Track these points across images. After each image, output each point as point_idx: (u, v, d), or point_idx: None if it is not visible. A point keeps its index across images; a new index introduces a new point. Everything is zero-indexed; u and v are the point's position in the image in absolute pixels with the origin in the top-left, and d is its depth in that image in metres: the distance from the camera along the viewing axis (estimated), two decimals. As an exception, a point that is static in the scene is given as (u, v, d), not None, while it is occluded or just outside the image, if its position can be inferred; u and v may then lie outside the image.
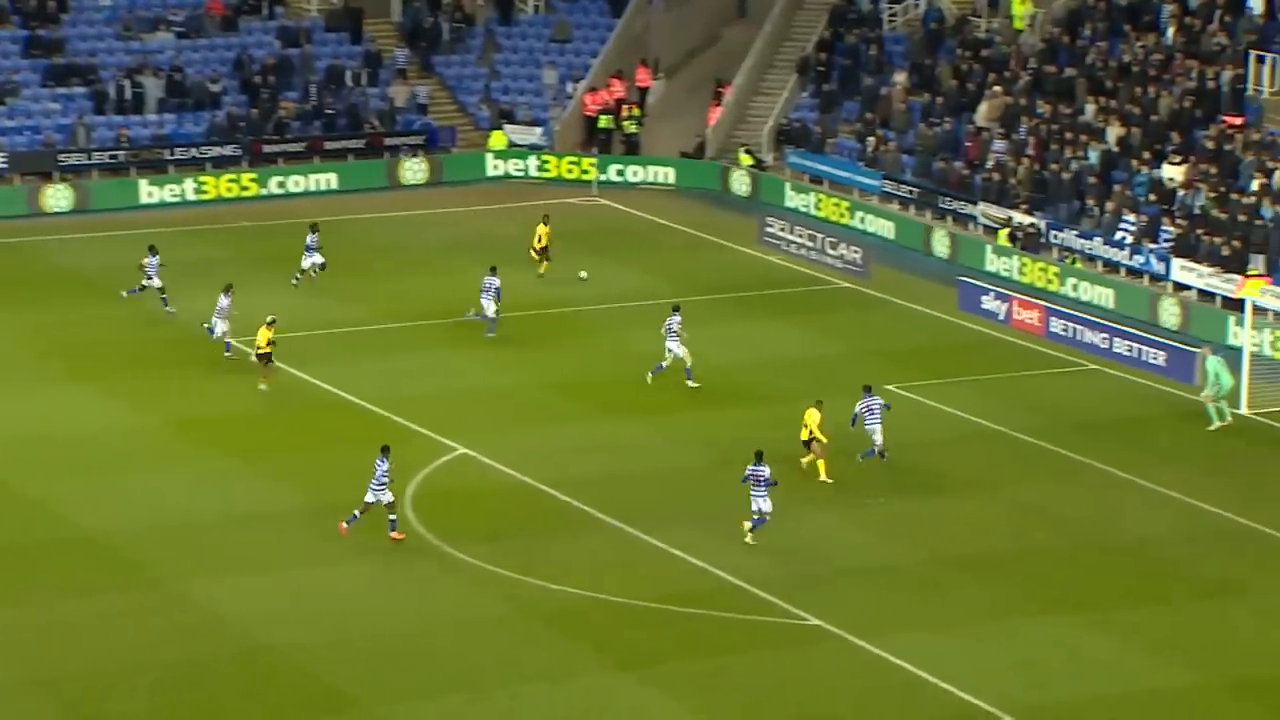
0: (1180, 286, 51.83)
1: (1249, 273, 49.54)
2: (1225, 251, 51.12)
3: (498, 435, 42.47)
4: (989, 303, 50.98)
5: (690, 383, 45.18)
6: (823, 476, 40.18)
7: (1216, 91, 56.66)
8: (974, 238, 55.94)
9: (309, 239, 52.06)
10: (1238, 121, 55.45)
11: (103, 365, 47.00)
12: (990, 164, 58.13)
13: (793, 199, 60.69)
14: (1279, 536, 37.91)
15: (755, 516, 37.17)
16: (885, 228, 58.12)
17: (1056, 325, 49.28)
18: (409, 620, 34.31)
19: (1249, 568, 36.70)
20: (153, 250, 50.19)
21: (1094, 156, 56.37)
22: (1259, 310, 47.04)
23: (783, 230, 56.95)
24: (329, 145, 63.75)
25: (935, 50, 63.68)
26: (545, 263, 53.03)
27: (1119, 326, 48.47)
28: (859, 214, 58.90)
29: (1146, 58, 58.72)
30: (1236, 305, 48.08)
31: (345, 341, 48.92)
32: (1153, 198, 54.25)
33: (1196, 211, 53.06)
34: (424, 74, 67.54)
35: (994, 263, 54.61)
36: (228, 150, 62.56)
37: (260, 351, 44.54)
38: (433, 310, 50.98)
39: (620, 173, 63.89)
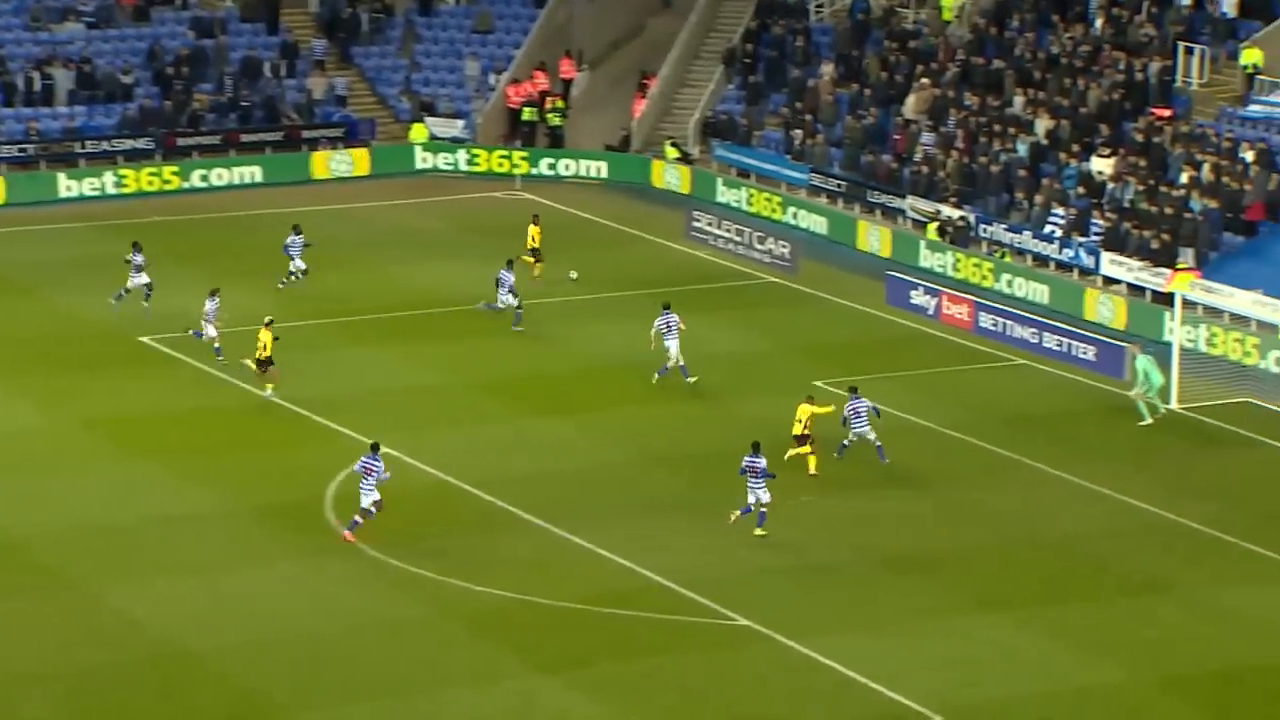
0: (1110, 280, 51.72)
1: (1178, 266, 49.49)
2: (1155, 245, 51.04)
3: (420, 434, 42.09)
4: (918, 298, 50.77)
5: (689, 380, 44.72)
6: (812, 471, 39.95)
7: (1145, 83, 56.62)
8: (908, 233, 55.70)
9: (290, 239, 51.09)
10: (1166, 113, 55.43)
11: (16, 364, 46.27)
12: (919, 157, 57.91)
13: (724, 194, 60.32)
14: (1208, 532, 37.91)
15: (759, 509, 37.05)
16: (818, 223, 57.80)
17: (986, 320, 49.10)
18: (330, 623, 33.93)
19: (1178, 563, 36.71)
20: (137, 247, 49.08)
21: (1023, 149, 56.22)
22: (1189, 304, 46.92)
23: (710, 225, 56.61)
24: (245, 138, 63.09)
25: (862, 42, 63.44)
26: (539, 264, 52.23)
27: (1048, 321, 48.32)
28: (791, 209, 58.55)
29: (1075, 49, 58.64)
30: (1169, 300, 47.95)
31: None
32: (1082, 191, 54.14)
33: (1126, 205, 52.96)
34: (343, 65, 66.89)
35: (928, 259, 54.37)
36: (140, 143, 61.81)
37: (260, 357, 43.58)
38: (354, 307, 50.41)
39: (552, 166, 63.38)
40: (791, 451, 40.15)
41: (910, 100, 60.05)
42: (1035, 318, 48.66)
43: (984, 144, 57.07)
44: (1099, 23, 59.16)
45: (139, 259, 48.88)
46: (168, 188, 61.05)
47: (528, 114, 65.05)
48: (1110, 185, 53.83)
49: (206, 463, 40.65)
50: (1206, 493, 39.83)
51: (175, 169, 61.42)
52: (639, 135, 64.54)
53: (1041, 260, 53.42)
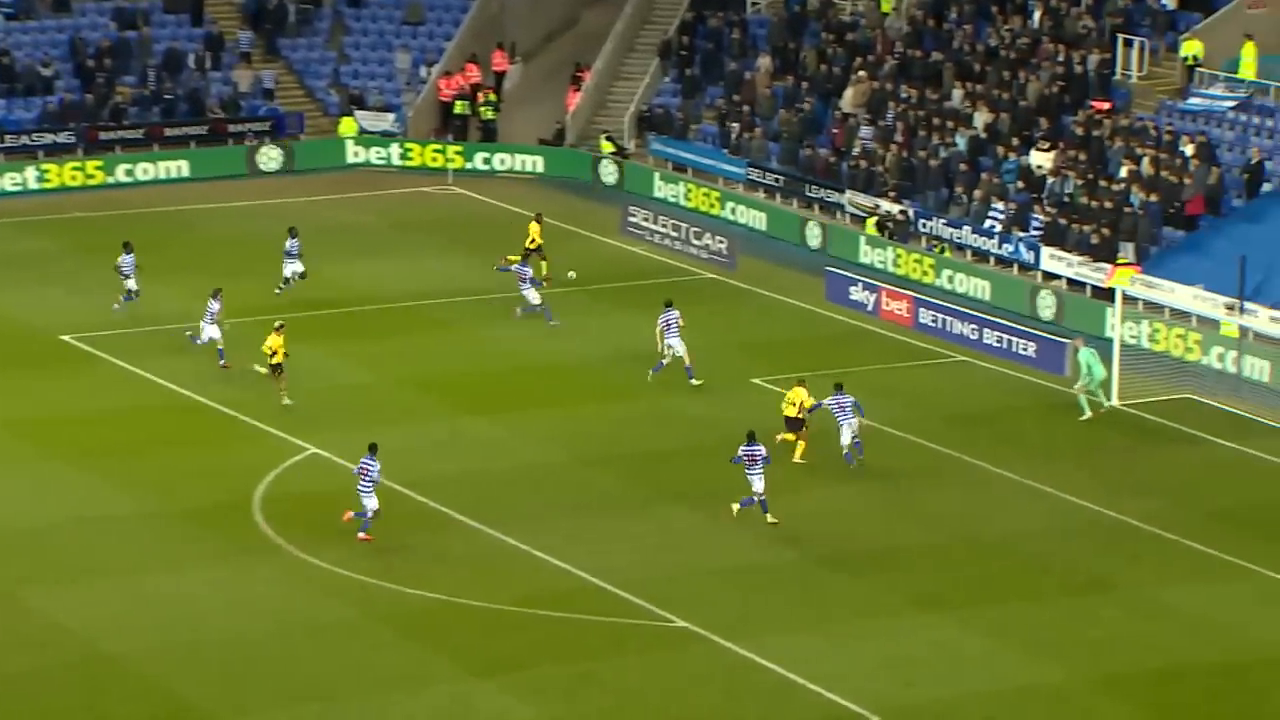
0: (1050, 275, 51.43)
1: (1118, 261, 49.24)
2: (1094, 240, 50.76)
3: (350, 434, 41.51)
4: (857, 293, 50.39)
5: (692, 381, 44.12)
6: (797, 458, 39.74)
7: (1084, 76, 56.39)
8: (848, 229, 55.28)
9: (288, 244, 50.06)
10: (1105, 107, 55.20)
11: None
12: (857, 151, 57.52)
13: (660, 189, 59.78)
14: (1149, 529, 37.77)
15: (759, 498, 37.06)
16: (756, 218, 57.32)
17: (925, 316, 48.76)
18: (259, 627, 33.50)
19: (1119, 562, 36.58)
20: (127, 248, 47.94)
21: (962, 143, 55.88)
22: (1129, 300, 46.64)
23: (646, 220, 56.09)
24: (169, 132, 62.28)
25: (799, 34, 63.05)
26: (543, 261, 51.43)
27: (988, 317, 47.98)
28: (729, 204, 58.06)
29: (1013, 42, 58.36)
30: (1110, 295, 47.69)
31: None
32: (1021, 185, 53.84)
33: (1065, 199, 52.67)
34: (269, 58, 66.08)
35: (868, 254, 53.94)
36: (62, 138, 60.93)
37: (273, 362, 42.59)
38: (282, 304, 49.69)
39: (487, 161, 62.71)
40: (781, 436, 39.82)
41: (848, 93, 59.68)
42: (975, 313, 48.31)
43: (923, 138, 56.72)
44: (1037, 15, 58.91)
45: (128, 261, 47.67)
46: (91, 182, 60.30)
47: (460, 107, 64.39)
48: (1050, 179, 53.55)
49: (130, 464, 40.09)
50: (1147, 490, 39.68)
51: (99, 163, 60.64)
52: (574, 129, 63.98)
53: (981, 255, 53.09)
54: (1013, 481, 39.94)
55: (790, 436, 40.00)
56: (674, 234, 55.21)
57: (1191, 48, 55.86)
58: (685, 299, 50.60)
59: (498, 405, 43.66)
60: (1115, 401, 44.11)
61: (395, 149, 62.90)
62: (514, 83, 66.29)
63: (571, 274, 51.03)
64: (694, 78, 63.63)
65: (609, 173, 61.44)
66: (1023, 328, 47.19)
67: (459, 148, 62.88)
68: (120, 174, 60.78)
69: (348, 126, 63.69)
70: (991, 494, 39.44)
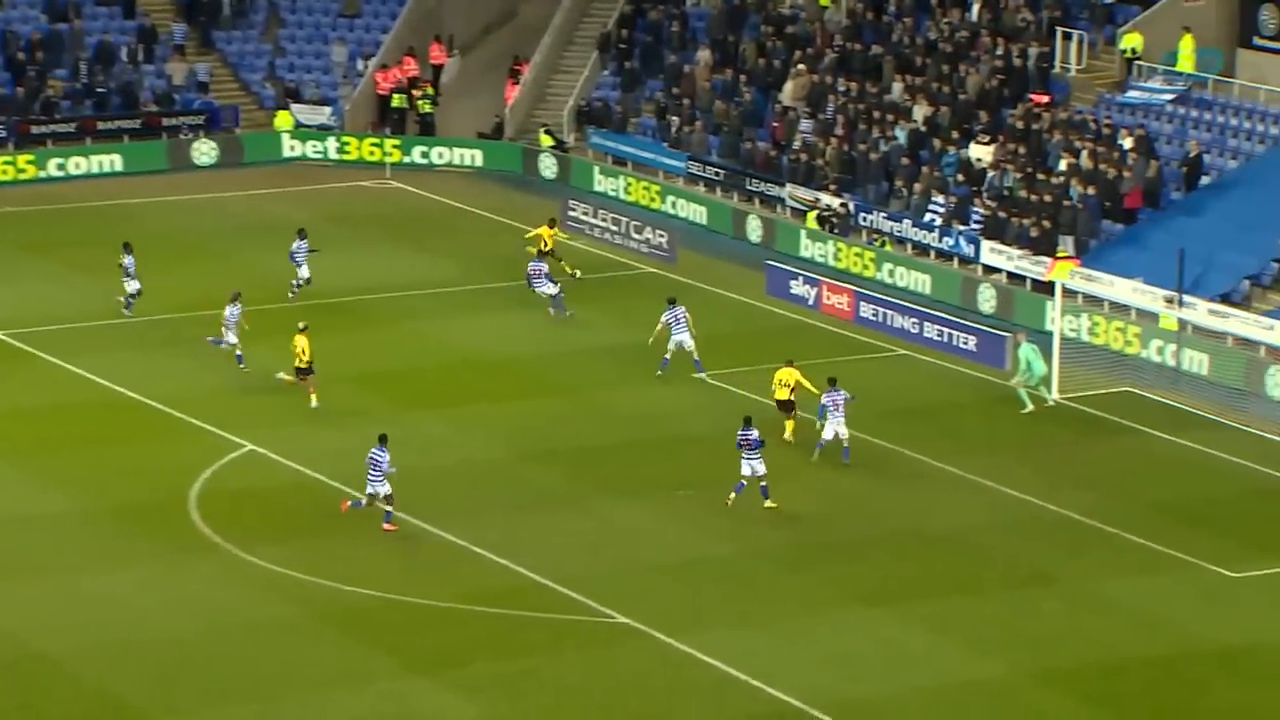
0: (990, 269, 51.44)
1: (1058, 255, 49.23)
2: (1034, 233, 50.78)
3: (287, 431, 41.30)
4: (798, 287, 50.28)
5: (700, 375, 43.97)
6: (787, 435, 40.14)
7: (1024, 69, 56.43)
8: (789, 223, 55.17)
9: (295, 245, 49.25)
10: (1045, 100, 55.25)
11: None
12: (797, 144, 57.41)
13: (601, 183, 59.53)
14: (1090, 523, 37.82)
15: (758, 483, 37.34)
16: (697, 212, 57.14)
17: (866, 310, 48.69)
18: (195, 626, 33.20)
19: (1061, 555, 36.60)
20: (127, 248, 47.11)
21: (902, 136, 55.84)
22: (1069, 293, 46.67)
23: (586, 214, 55.85)
24: (102, 126, 61.68)
25: (739, 27, 62.92)
26: (560, 262, 50.93)
27: (929, 311, 47.94)
28: (669, 198, 57.87)
29: (953, 35, 58.35)
30: (1049, 289, 47.70)
31: (124, 333, 47.26)
32: (961, 178, 53.84)
33: (1005, 192, 52.69)
34: (203, 50, 65.56)
35: (808, 248, 53.82)
36: (-9, 132, 60.30)
37: (300, 365, 41.91)
38: (219, 299, 49.21)
39: (425, 155, 62.31)
40: (789, 423, 40.40)
41: (788, 87, 59.58)
42: (916, 307, 48.27)
43: (863, 131, 56.65)
44: (976, 8, 58.91)
45: (130, 262, 46.89)
46: (23, 177, 59.67)
47: (397, 101, 63.97)
48: (990, 173, 53.56)
49: (63, 461, 39.68)
50: (1088, 483, 39.72)
51: (30, 158, 60.01)
52: (513, 122, 63.67)
53: (921, 249, 53.07)
54: (954, 476, 39.91)
55: (789, 419, 40.49)
56: (614, 228, 55.00)
57: (1130, 41, 55.97)
58: (625, 293, 50.53)
59: (437, 401, 43.38)
60: (1056, 395, 44.14)
61: (332, 143, 62.48)
62: (452, 76, 65.95)
63: (576, 273, 50.54)
64: (633, 71, 63.42)
65: (548, 166, 61.16)
66: (964, 321, 47.17)
67: (396, 141, 62.51)
68: (52, 168, 60.17)
69: (284, 120, 63.20)
70: (933, 488, 39.40)
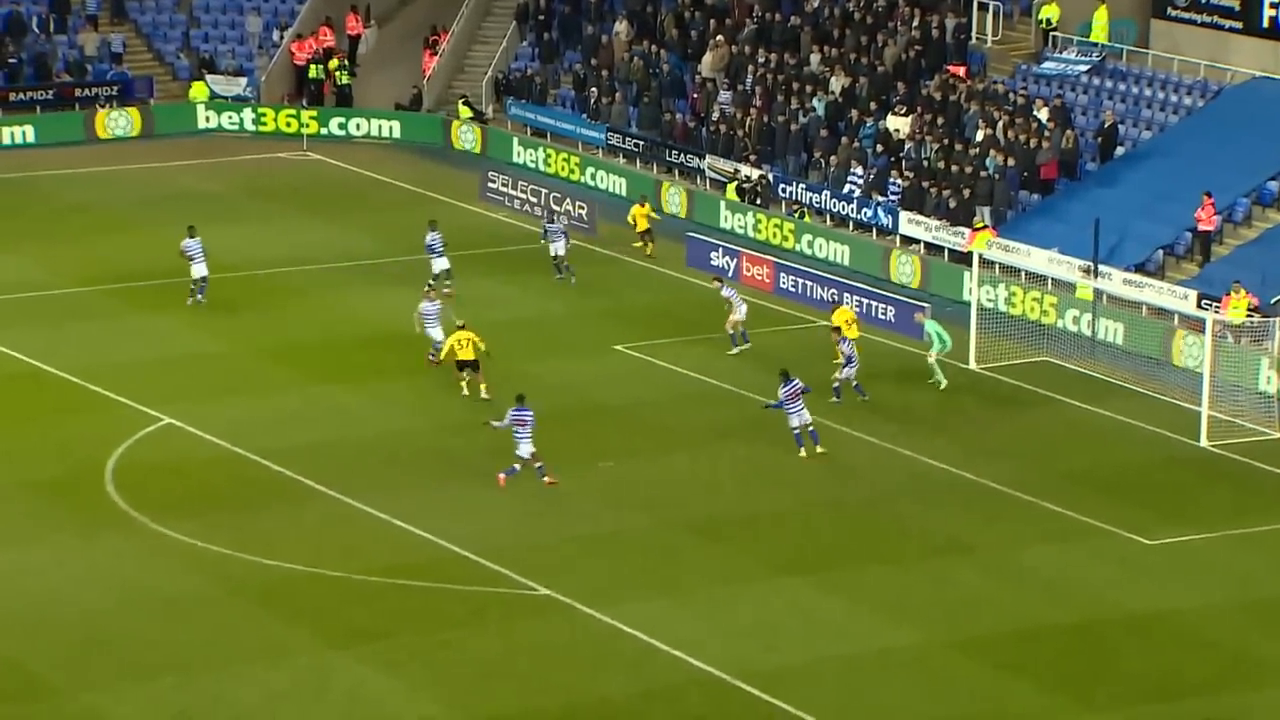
0: (908, 240, 51.63)
1: (975, 225, 49.48)
2: (952, 204, 50.99)
3: (205, 404, 41.00)
4: (718, 259, 50.29)
5: (736, 349, 44.11)
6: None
7: (941, 40, 56.60)
8: (708, 194, 55.16)
9: (429, 238, 47.95)
10: (961, 71, 55.44)
11: None
12: (716, 116, 57.40)
13: (520, 154, 59.34)
14: (1007, 491, 38.03)
15: (805, 431, 38.65)
16: (616, 184, 57.05)
17: (785, 281, 48.78)
18: (111, 600, 33.01)
19: (978, 524, 36.79)
20: (191, 231, 45.94)
21: (820, 108, 55.92)
22: (986, 264, 46.88)
23: (505, 186, 55.65)
24: (13, 97, 61.04)
25: (657, -2, 62.77)
26: (650, 245, 50.68)
27: (848, 282, 48.07)
28: (589, 169, 57.73)
29: (870, 6, 58.44)
30: (967, 259, 47.93)
31: (37, 306, 46.81)
32: (880, 149, 53.97)
33: (923, 164, 52.86)
34: (116, 21, 64.92)
35: (728, 220, 53.85)
36: (-97, 104, 59.57)
37: (460, 359, 40.97)
38: (133, 271, 48.96)
39: (342, 126, 61.92)
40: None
41: (707, 58, 59.55)
42: (835, 278, 48.38)
43: (781, 103, 56.69)
44: (894, -21, 59.02)
45: (194, 245, 45.79)
46: (-64, 149, 59.06)
47: (314, 72, 63.53)
48: (907, 144, 53.72)
49: (-27, 435, 39.29)
50: (1005, 452, 39.95)
51: (-57, 130, 59.32)
52: (431, 94, 63.36)
53: (841, 220, 53.19)
54: (871, 445, 40.07)
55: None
56: (534, 200, 54.86)
57: (1047, 11, 56.22)
58: (546, 265, 50.37)
59: (354, 374, 43.18)
60: (973, 365, 44.36)
61: (248, 114, 61.98)
62: (369, 47, 65.53)
63: (572, 279, 49.02)
64: (552, 42, 63.22)
65: (468, 139, 60.91)
66: (882, 292, 47.32)
67: (313, 113, 62.10)
68: (-34, 141, 59.58)
69: (199, 91, 62.66)
70: (850, 458, 39.53)
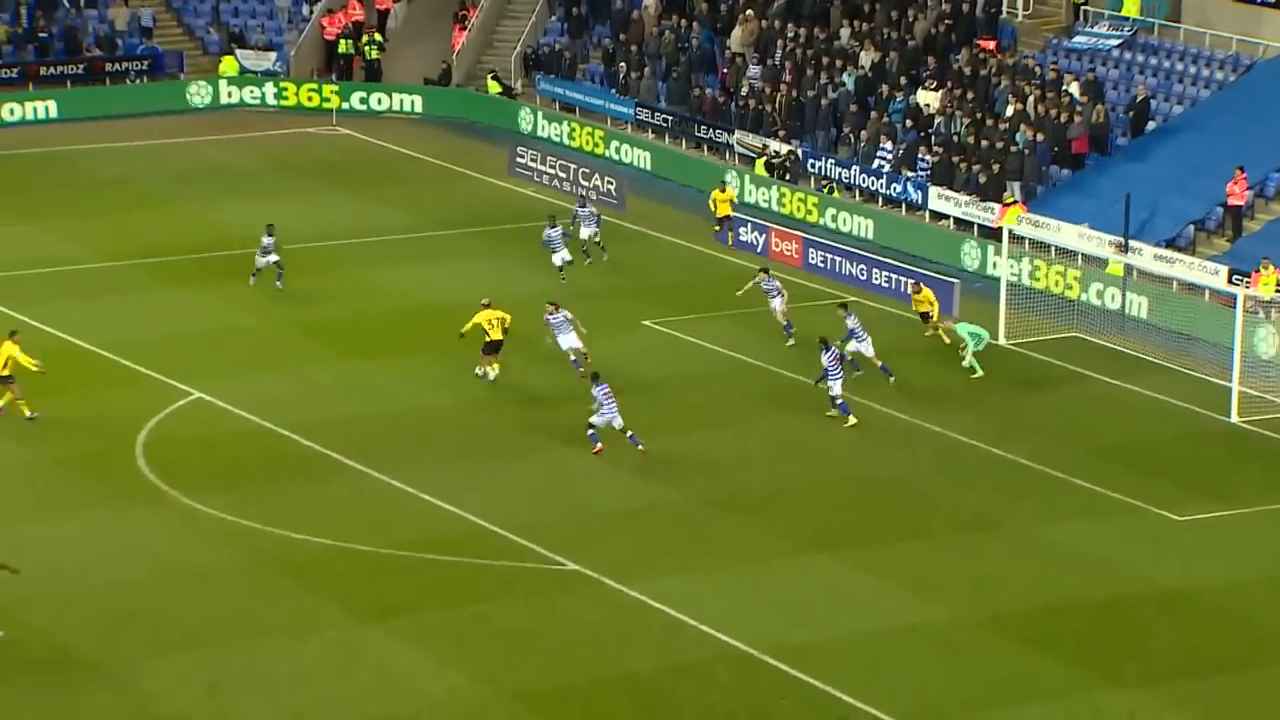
0: (938, 215, 51.51)
1: (1005, 201, 49.32)
2: (982, 179, 50.85)
3: (235, 378, 41.06)
4: (746, 234, 50.21)
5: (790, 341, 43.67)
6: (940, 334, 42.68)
7: (971, 14, 56.41)
8: (725, 167, 55.04)
9: (547, 233, 47.07)
10: (991, 45, 55.25)
11: None
12: (745, 91, 57.29)
13: (543, 128, 59.30)
14: (1036, 468, 37.93)
15: (840, 401, 39.24)
16: (641, 158, 56.99)
17: (814, 257, 48.70)
18: (141, 574, 33.11)
19: (1006, 500, 36.74)
20: (270, 230, 45.75)
21: (850, 82, 55.78)
22: (1015, 238, 46.74)
23: (534, 161, 55.64)
24: (44, 71, 61.07)
25: (686, -27, 62.66)
26: (730, 233, 49.88)
27: (877, 258, 47.97)
28: (615, 144, 57.67)
29: (900, -20, 58.30)
30: (981, 232, 47.79)
31: (68, 281, 46.95)
32: (909, 124, 53.83)
33: (953, 139, 52.71)
34: (146, -5, 65.03)
35: (751, 194, 53.78)
36: (-67, 78, 59.70)
37: (490, 339, 40.80)
38: (164, 246, 49.02)
39: (364, 101, 61.90)
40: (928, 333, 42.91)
41: (736, 33, 59.44)
42: (864, 254, 48.29)
43: (810, 77, 56.57)
44: (924, -46, 58.84)
45: (269, 242, 45.54)
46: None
47: (344, 47, 63.54)
48: (937, 119, 53.57)
49: (9, 409, 39.22)
50: (1034, 428, 39.87)
51: (-25, 103, 59.44)
52: (460, 68, 63.34)
53: (870, 195, 53.09)
54: (901, 421, 40.02)
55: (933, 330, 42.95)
56: (562, 175, 54.83)
57: (1078, -14, 56.06)
58: (573, 241, 50.30)
59: (385, 349, 43.22)
60: (1002, 340, 44.26)
61: (270, 88, 61.80)
62: (398, 21, 65.52)
63: (561, 280, 47.82)
64: (581, 17, 63.14)
65: (491, 112, 60.68)
66: (912, 268, 47.21)
67: (335, 88, 61.98)
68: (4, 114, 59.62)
69: (229, 66, 62.71)
70: (879, 435, 39.46)
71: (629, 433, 37.48)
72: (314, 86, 61.93)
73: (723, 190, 50.73)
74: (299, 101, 61.83)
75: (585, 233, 48.50)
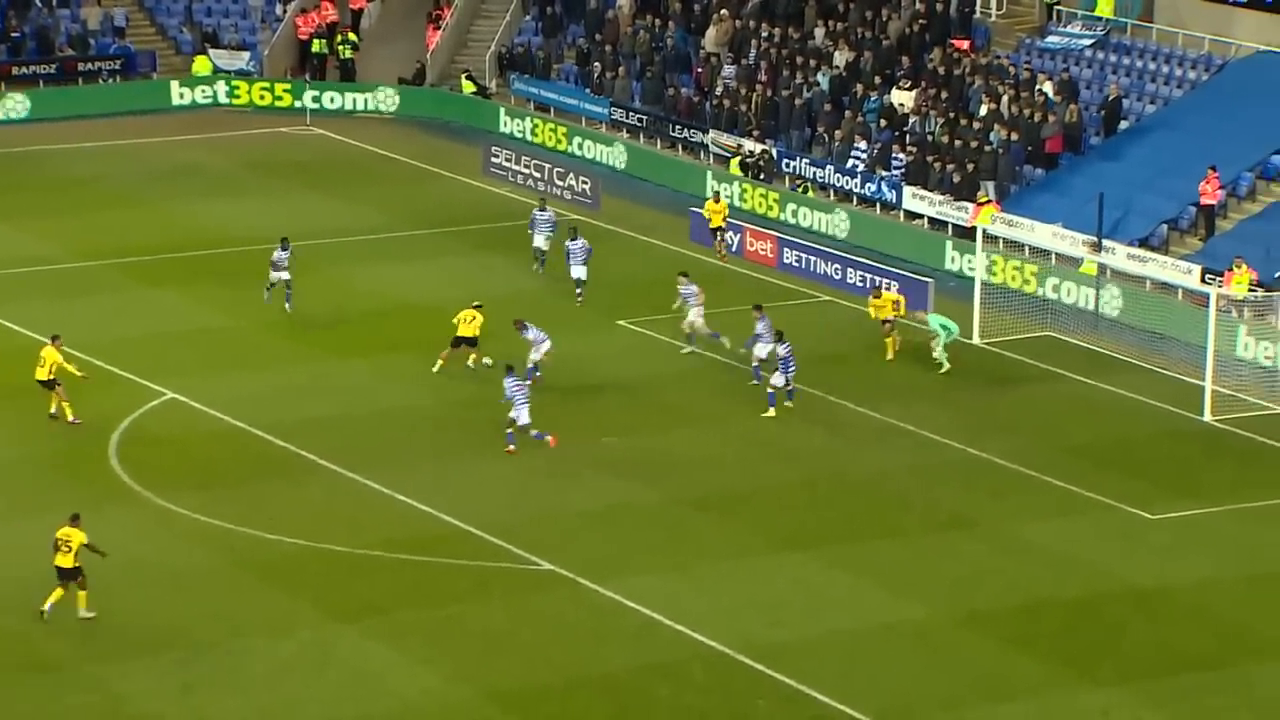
0: (912, 215, 51.59)
1: (979, 200, 49.42)
2: (956, 179, 50.93)
3: (209, 378, 40.98)
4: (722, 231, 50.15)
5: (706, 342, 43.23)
6: (889, 356, 42.41)
7: (945, 14, 56.50)
8: (696, 165, 55.05)
9: (569, 244, 45.94)
10: (965, 45, 55.34)
11: None
12: (720, 90, 57.32)
13: (507, 125, 59.23)
14: (1010, 467, 37.99)
15: (787, 390, 39.70)
16: (608, 155, 56.99)
17: (789, 256, 48.75)
18: (115, 574, 32.78)
19: (981, 499, 36.80)
20: (284, 244, 44.82)
21: (824, 82, 55.84)
22: (989, 238, 46.82)
23: (508, 160, 55.61)
24: (16, 71, 60.90)
25: (661, -27, 62.69)
26: (721, 243, 49.12)
27: (852, 257, 48.02)
28: (580, 141, 57.65)
29: (874, -20, 58.40)
30: (958, 232, 47.87)
31: (41, 280, 46.79)
32: (884, 124, 53.90)
33: (927, 138, 52.79)
34: (119, -5, 64.88)
35: (712, 190, 53.77)
36: (-97, 77, 59.53)
37: (460, 334, 40.98)
38: (137, 246, 48.87)
39: (332, 100, 61.77)
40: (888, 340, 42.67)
41: (710, 32, 59.46)
42: (838, 253, 48.34)
43: (785, 77, 56.61)
44: (898, -46, 58.94)
45: (282, 256, 44.29)
46: (-60, 123, 59.04)
47: (317, 46, 63.43)
48: (911, 118, 53.65)
49: (-18, 410, 39.25)
50: (1008, 427, 39.93)
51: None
52: (434, 68, 63.28)
53: (844, 195, 53.15)
54: (876, 420, 40.06)
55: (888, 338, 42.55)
56: (537, 174, 54.80)
57: (1052, -14, 56.19)
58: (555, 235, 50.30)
59: (360, 349, 43.15)
60: (976, 340, 44.33)
61: (221, 86, 61.43)
62: (372, 21, 65.43)
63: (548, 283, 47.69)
64: (555, 16, 63.12)
65: (460, 111, 60.50)
66: (887, 267, 47.27)
67: (287, 85, 61.73)
68: (-28, 114, 59.57)
69: (202, 65, 62.57)
70: (855, 433, 39.52)
71: (534, 431, 37.45)
72: (266, 85, 61.75)
73: (716, 201, 50.21)
74: (251, 100, 61.49)
75: (539, 240, 47.81)
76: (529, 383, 38.60)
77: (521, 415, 37.56)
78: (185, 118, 60.96)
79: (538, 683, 30.10)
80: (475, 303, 41.88)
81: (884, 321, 43.12)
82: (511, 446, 37.64)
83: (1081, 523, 35.82)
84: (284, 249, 44.56)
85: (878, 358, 43.05)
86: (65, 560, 31.47)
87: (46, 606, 31.28)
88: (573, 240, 46.10)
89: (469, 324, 41.17)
